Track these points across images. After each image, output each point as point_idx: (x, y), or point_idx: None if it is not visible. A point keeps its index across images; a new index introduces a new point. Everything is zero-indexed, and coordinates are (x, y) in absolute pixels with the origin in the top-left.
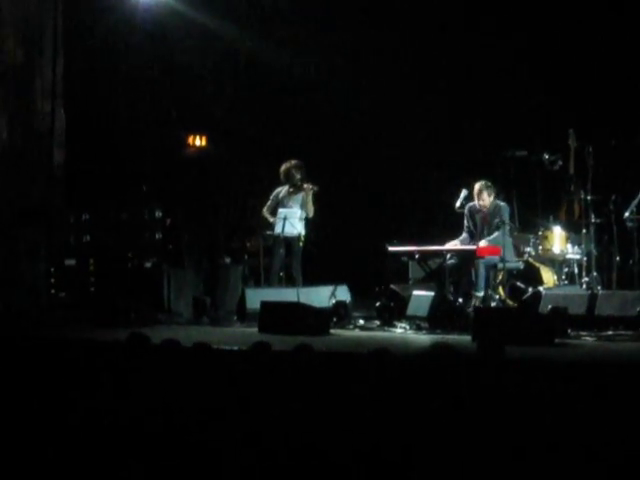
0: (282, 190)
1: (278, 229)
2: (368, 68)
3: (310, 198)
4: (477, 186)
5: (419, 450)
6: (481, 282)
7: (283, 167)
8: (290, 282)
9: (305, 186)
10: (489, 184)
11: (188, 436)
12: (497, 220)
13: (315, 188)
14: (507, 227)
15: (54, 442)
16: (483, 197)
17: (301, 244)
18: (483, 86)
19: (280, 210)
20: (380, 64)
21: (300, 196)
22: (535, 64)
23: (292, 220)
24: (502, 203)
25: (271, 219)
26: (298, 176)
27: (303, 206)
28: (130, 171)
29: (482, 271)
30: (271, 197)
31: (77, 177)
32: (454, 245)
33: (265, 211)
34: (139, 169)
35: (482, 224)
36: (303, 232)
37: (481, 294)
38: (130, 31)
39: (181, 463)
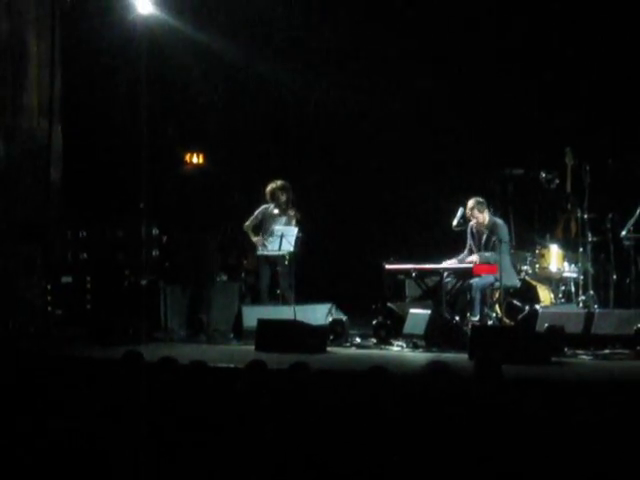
0: (267, 209)
1: (275, 246)
2: (366, 85)
3: (293, 223)
4: (469, 204)
5: (416, 469)
6: (476, 308)
7: (268, 188)
8: (277, 301)
9: (289, 212)
10: (480, 200)
11: (183, 454)
12: (494, 238)
13: (298, 215)
14: (506, 246)
15: (48, 458)
16: (475, 214)
17: (286, 262)
18: (480, 104)
19: (277, 228)
20: (378, 81)
21: (284, 219)
22: (532, 82)
23: (289, 238)
24: (499, 221)
25: (254, 238)
26: (284, 198)
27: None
28: (127, 188)
29: (477, 296)
30: (255, 214)
31: (74, 194)
32: (452, 263)
33: (247, 229)
34: (136, 186)
35: (479, 242)
36: (291, 249)
37: (477, 318)
38: (127, 48)
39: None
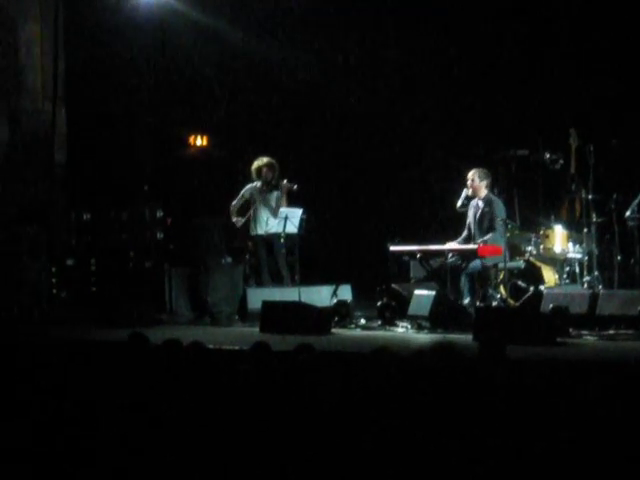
0: (254, 187)
1: (279, 228)
2: (369, 66)
3: (285, 197)
4: (471, 172)
5: (420, 449)
6: (465, 291)
7: (254, 165)
8: (276, 282)
9: (283, 184)
10: (483, 170)
11: (188, 436)
12: (487, 210)
13: (294, 187)
14: (500, 224)
15: (54, 441)
16: (475, 182)
17: (282, 241)
18: (484, 85)
19: (281, 210)
20: (381, 62)
21: (274, 194)
22: (536, 63)
23: (294, 220)
24: (495, 197)
25: (234, 218)
26: (270, 175)
27: (276, 204)
28: (131, 171)
29: (464, 281)
30: (241, 193)
31: (78, 177)
32: (454, 245)
33: (232, 210)
34: (140, 169)
35: (474, 218)
36: (282, 230)
37: (467, 301)
38: (131, 31)
39: (180, 463)
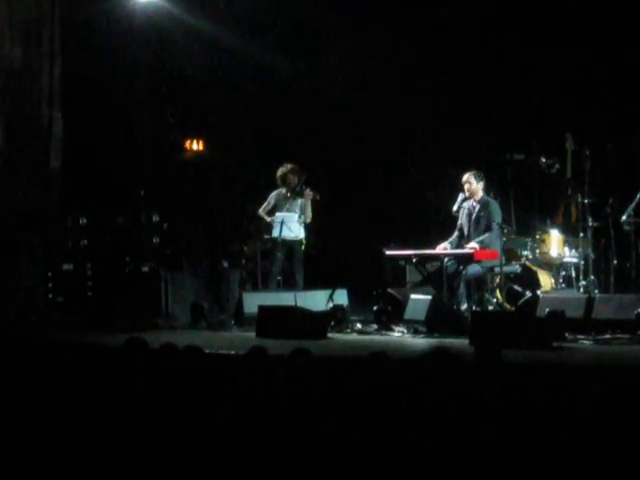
0: (279, 194)
1: (275, 233)
2: (367, 73)
3: (309, 204)
4: (466, 174)
5: (416, 453)
6: (462, 297)
7: (280, 171)
8: (288, 286)
9: (306, 192)
10: (479, 173)
11: (186, 440)
12: (483, 214)
13: (317, 196)
14: (497, 227)
15: (49, 446)
16: (471, 184)
17: (303, 247)
18: (480, 90)
19: (277, 214)
20: (378, 69)
21: (299, 201)
22: (532, 67)
23: (290, 224)
24: (492, 200)
25: (268, 219)
26: (295, 181)
27: (302, 211)
28: (127, 175)
29: (462, 287)
30: (268, 199)
31: (74, 181)
32: (445, 247)
33: (261, 212)
34: (136, 173)
35: (468, 220)
36: (303, 236)
37: (464, 307)
38: (128, 36)
39: (178, 467)
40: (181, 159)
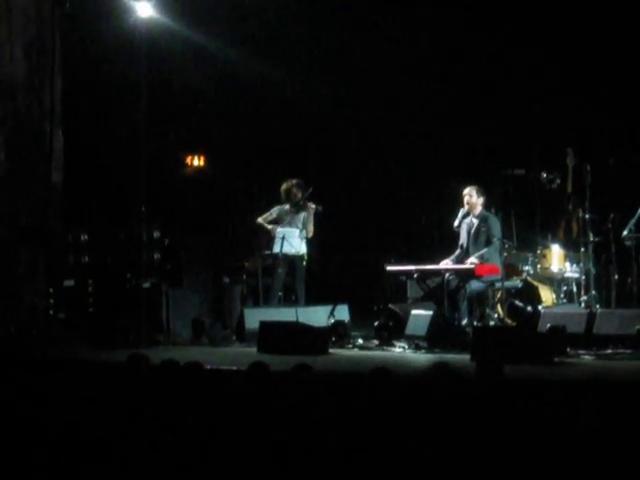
0: (282, 209)
1: (277, 248)
2: (368, 88)
3: (311, 218)
4: (467, 188)
5: (419, 469)
6: (463, 313)
7: (284, 186)
8: (289, 301)
9: (308, 205)
10: (480, 187)
11: (187, 456)
12: (484, 229)
13: (319, 208)
14: (497, 242)
15: (52, 463)
16: (472, 197)
17: (304, 263)
18: (481, 105)
19: (279, 230)
20: (379, 82)
21: (302, 215)
22: (533, 83)
23: (291, 240)
24: (492, 215)
25: (268, 227)
26: (299, 195)
27: (304, 226)
28: (128, 191)
29: (463, 302)
30: (270, 211)
31: (75, 197)
32: (447, 264)
33: (260, 220)
34: (137, 189)
35: (468, 235)
36: (305, 251)
37: (464, 320)
38: (128, 51)
39: None
40: (182, 175)
